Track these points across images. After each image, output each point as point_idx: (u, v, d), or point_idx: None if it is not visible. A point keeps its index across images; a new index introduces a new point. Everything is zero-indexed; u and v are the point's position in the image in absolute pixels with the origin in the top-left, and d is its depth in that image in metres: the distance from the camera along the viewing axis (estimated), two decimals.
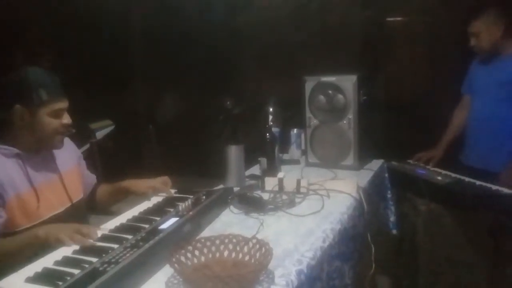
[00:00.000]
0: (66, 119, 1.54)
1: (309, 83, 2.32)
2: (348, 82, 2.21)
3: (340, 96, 2.23)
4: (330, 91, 2.25)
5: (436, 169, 2.35)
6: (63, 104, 1.52)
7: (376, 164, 2.33)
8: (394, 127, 3.12)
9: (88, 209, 1.77)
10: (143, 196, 1.69)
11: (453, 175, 2.21)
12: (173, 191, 1.77)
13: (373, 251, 1.73)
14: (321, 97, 2.29)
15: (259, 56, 3.89)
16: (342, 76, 2.24)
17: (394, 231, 2.31)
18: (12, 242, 1.35)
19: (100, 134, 2.91)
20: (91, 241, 1.27)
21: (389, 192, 2.34)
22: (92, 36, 3.87)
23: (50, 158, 1.60)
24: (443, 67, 3.10)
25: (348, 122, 2.22)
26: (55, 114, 1.50)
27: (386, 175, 2.35)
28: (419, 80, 3.37)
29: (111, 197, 1.84)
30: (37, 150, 1.53)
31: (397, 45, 3.58)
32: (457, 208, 2.10)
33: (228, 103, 2.37)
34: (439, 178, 2.17)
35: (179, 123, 4.22)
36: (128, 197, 1.80)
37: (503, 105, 2.29)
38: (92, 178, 1.86)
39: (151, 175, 1.82)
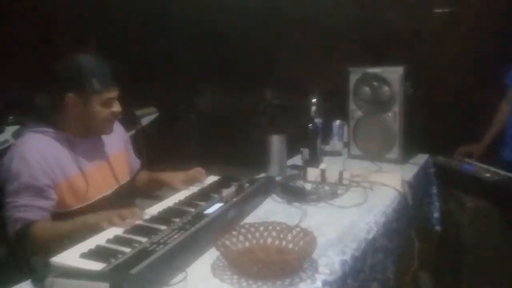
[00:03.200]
0: (116, 107, 1.57)
1: (354, 75, 2.29)
2: (394, 74, 2.16)
3: (385, 88, 2.19)
4: (375, 83, 2.22)
5: (484, 165, 2.27)
6: (114, 93, 1.55)
7: (421, 158, 2.28)
8: (440, 121, 3.04)
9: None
10: (179, 188, 1.68)
11: (503, 172, 2.13)
12: (216, 178, 1.79)
13: (416, 246, 1.70)
14: (366, 89, 2.25)
15: (302, 46, 3.87)
16: (388, 68, 2.19)
17: (438, 227, 2.25)
18: (65, 226, 1.40)
19: (145, 121, 2.99)
20: (129, 224, 1.28)
21: (434, 187, 2.29)
22: (139, 28, 3.97)
23: (98, 141, 1.64)
24: (490, 60, 2.99)
25: (394, 115, 2.18)
26: (106, 103, 1.53)
27: (432, 170, 2.30)
28: (466, 73, 3.26)
29: (148, 186, 1.89)
30: (86, 135, 1.58)
31: (443, 37, 3.47)
32: (505, 206, 2.03)
33: (268, 94, 2.37)
34: (488, 175, 2.10)
35: (221, 112, 4.27)
36: (163, 188, 1.82)
37: None
38: (137, 162, 1.91)
39: (193, 162, 1.84)
